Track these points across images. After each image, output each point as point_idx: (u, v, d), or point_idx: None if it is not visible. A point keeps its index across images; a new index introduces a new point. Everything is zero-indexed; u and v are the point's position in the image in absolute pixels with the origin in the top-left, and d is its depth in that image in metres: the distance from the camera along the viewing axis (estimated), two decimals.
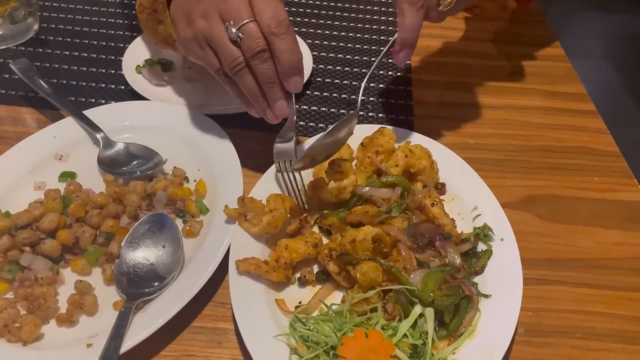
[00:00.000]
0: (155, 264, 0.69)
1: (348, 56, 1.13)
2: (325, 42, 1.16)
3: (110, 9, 1.19)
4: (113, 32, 1.13)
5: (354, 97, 1.02)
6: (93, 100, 0.97)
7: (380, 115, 0.99)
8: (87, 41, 1.10)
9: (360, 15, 1.25)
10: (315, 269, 0.72)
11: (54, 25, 1.13)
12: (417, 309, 0.63)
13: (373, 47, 1.15)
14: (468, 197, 0.79)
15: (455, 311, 0.65)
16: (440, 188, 0.81)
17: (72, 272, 0.70)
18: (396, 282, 0.66)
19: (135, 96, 0.95)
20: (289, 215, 0.74)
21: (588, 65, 1.27)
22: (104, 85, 1.01)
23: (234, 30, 0.67)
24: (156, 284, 0.67)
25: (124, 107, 0.91)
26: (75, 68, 1.04)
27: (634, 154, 0.96)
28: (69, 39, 1.10)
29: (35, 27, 1.11)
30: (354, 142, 0.83)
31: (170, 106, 0.91)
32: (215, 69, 0.72)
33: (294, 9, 1.26)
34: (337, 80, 1.06)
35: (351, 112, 0.73)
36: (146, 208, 0.76)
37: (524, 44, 1.19)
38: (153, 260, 0.69)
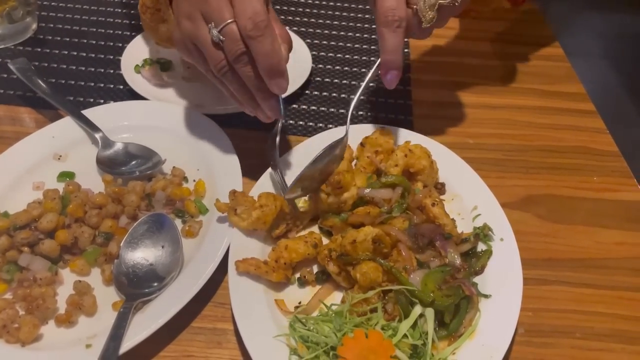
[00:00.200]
0: (155, 264, 0.69)
1: (347, 56, 1.13)
2: (325, 42, 1.16)
3: (109, 9, 1.19)
4: (112, 31, 1.13)
5: (352, 96, 1.02)
6: (92, 100, 0.97)
7: (379, 115, 0.98)
8: (85, 41, 1.10)
9: (359, 15, 1.25)
10: (315, 269, 0.72)
11: (52, 25, 1.13)
12: (417, 309, 0.63)
13: (372, 47, 1.15)
14: (467, 197, 0.79)
15: (455, 311, 0.65)
16: (440, 188, 0.81)
17: (71, 273, 0.70)
18: (396, 283, 0.66)
19: (134, 96, 0.95)
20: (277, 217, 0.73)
21: (587, 65, 1.27)
22: (102, 85, 1.00)
23: (215, 32, 0.65)
24: (155, 284, 0.67)
25: (123, 107, 0.91)
26: (74, 68, 1.03)
27: (634, 154, 0.96)
28: (68, 39, 1.10)
29: (34, 26, 1.11)
30: (353, 142, 0.83)
31: (169, 106, 0.91)
32: (204, 69, 0.72)
33: (293, 9, 1.25)
34: (336, 80, 1.06)
35: (342, 136, 0.73)
36: (145, 208, 0.76)
37: (524, 43, 1.19)
38: (152, 260, 0.69)
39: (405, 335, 0.61)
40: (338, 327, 0.61)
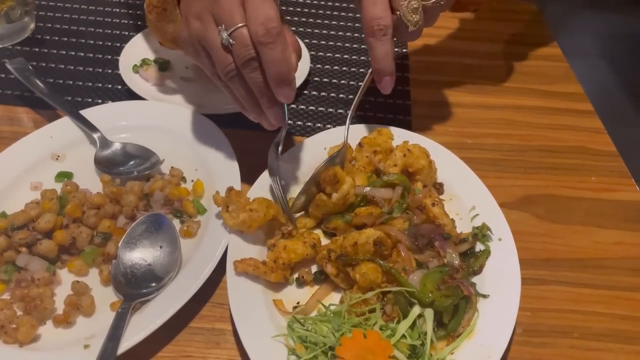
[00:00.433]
0: (153, 265, 0.68)
1: (346, 56, 1.13)
2: (323, 42, 1.16)
3: (107, 8, 1.19)
4: (110, 31, 1.13)
5: (351, 96, 1.02)
6: (90, 100, 0.97)
7: (378, 115, 0.99)
8: (83, 40, 1.10)
9: (358, 15, 1.25)
10: (313, 269, 0.72)
11: (50, 25, 1.13)
12: (416, 310, 0.63)
13: None
14: (466, 197, 0.79)
15: (453, 311, 0.65)
16: (438, 188, 0.81)
17: (69, 273, 0.70)
18: (395, 283, 0.66)
19: (132, 96, 0.95)
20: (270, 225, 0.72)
21: (585, 65, 1.27)
22: (100, 84, 1.00)
23: (225, 35, 0.64)
24: (153, 284, 0.67)
25: (121, 107, 0.91)
26: (72, 67, 1.03)
27: (632, 154, 0.96)
28: (66, 39, 1.10)
29: (32, 26, 1.10)
30: (351, 142, 0.83)
31: (168, 106, 0.91)
32: (210, 72, 0.71)
33: (291, 9, 1.25)
34: (334, 80, 1.06)
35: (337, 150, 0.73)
36: (143, 208, 0.76)
37: (522, 43, 1.20)
38: (150, 260, 0.69)
39: (403, 336, 0.61)
40: (336, 328, 0.61)
